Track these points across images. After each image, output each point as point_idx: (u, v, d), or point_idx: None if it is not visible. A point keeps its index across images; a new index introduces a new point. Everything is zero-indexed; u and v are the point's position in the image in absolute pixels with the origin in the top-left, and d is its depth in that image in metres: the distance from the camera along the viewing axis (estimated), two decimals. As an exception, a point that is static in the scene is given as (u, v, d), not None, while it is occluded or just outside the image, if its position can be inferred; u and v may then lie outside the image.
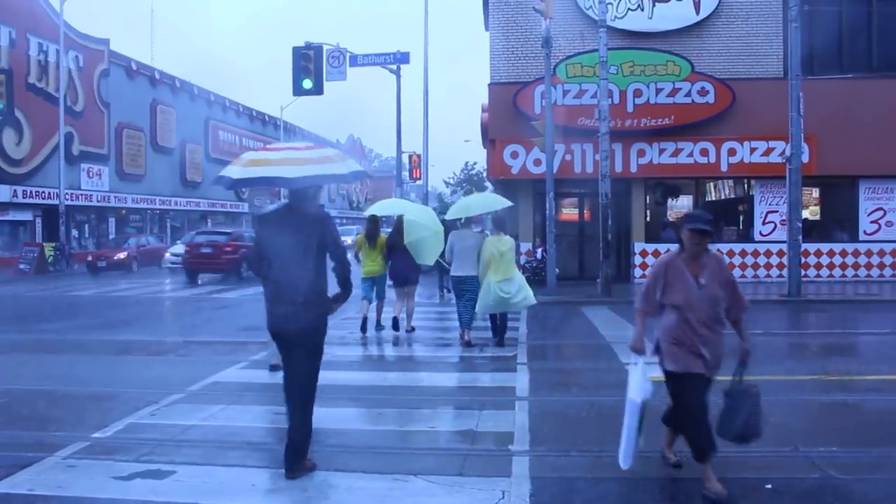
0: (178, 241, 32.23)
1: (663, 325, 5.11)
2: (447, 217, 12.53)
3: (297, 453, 5.27)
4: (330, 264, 5.38)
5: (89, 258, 29.76)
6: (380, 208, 12.82)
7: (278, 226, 5.37)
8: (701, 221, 4.97)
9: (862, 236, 20.49)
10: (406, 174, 31.53)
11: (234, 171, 5.31)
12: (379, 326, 12.25)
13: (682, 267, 5.01)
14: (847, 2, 20.43)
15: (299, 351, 5.30)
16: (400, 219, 11.92)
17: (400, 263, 11.80)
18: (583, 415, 7.13)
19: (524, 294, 10.61)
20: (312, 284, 5.21)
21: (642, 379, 5.05)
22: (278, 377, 8.75)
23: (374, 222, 12.20)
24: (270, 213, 5.71)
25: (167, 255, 29.94)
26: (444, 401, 7.67)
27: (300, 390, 5.33)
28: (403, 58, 26.37)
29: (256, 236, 5.76)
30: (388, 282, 12.33)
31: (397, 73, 27.23)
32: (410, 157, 32.70)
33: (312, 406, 5.38)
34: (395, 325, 11.86)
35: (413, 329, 12.14)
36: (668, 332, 5.06)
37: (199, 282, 24.03)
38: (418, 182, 30.04)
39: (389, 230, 12.72)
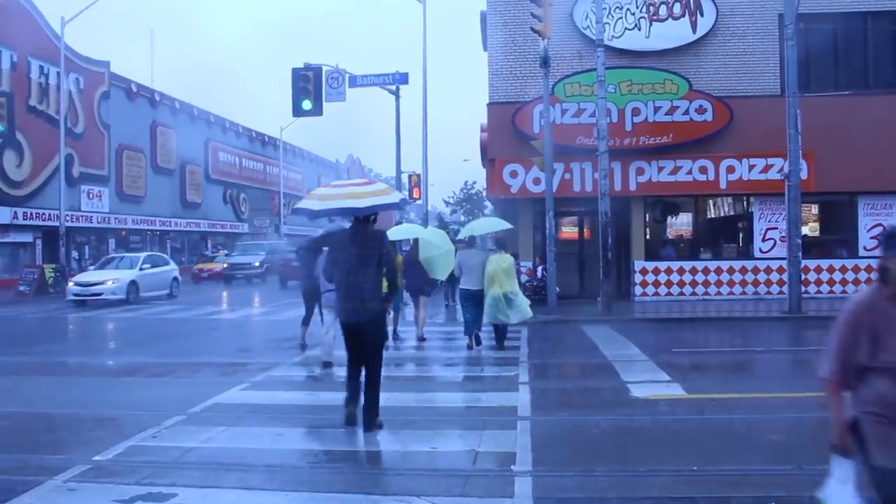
0: (91, 267, 27.73)
1: (868, 397, 3.39)
2: (458, 238, 14.34)
3: (372, 415, 6.83)
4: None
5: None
6: (395, 233, 13.88)
7: (347, 242, 6.91)
8: None
9: (862, 252, 20.49)
10: (405, 194, 31.56)
11: (314, 204, 7.11)
12: (396, 337, 13.50)
13: (891, 310, 3.37)
14: (842, 19, 20.56)
15: (365, 336, 6.86)
16: (416, 240, 13.56)
17: (415, 278, 13.05)
18: (585, 434, 7.11)
19: (523, 307, 12.18)
20: (373, 286, 6.79)
21: (853, 493, 3.33)
22: (281, 398, 8.82)
23: (392, 244, 13.12)
24: (340, 233, 7.31)
25: (70, 283, 24.86)
26: (445, 421, 7.65)
27: (370, 369, 6.92)
28: (402, 78, 26.53)
29: (330, 250, 7.33)
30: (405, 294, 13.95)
31: (396, 93, 27.38)
32: (410, 176, 32.77)
33: (379, 381, 6.99)
34: (420, 339, 13.38)
35: (424, 339, 13.42)
36: (879, 408, 3.33)
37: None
38: (418, 202, 30.06)
39: (406, 249, 14.51)
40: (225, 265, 37.05)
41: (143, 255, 27.51)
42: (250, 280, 35.92)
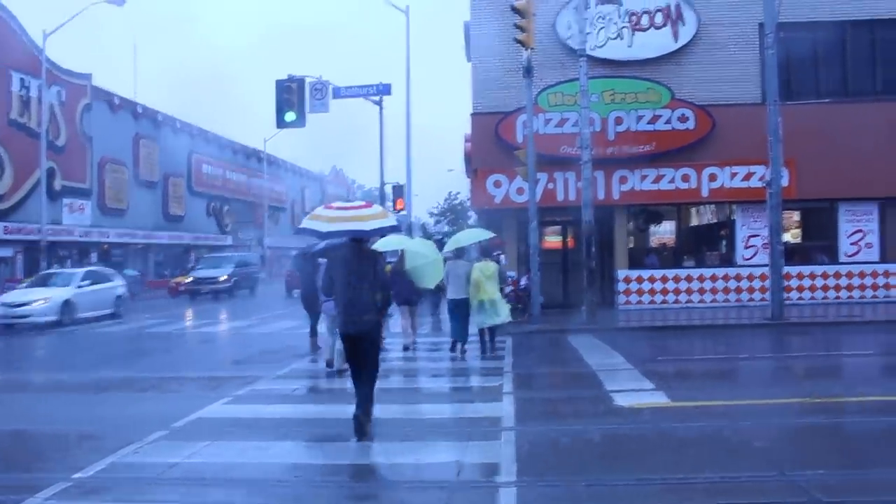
0: (22, 285, 25.28)
1: None
2: (444, 250, 14.34)
3: (364, 422, 7.06)
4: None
5: None
6: (382, 244, 13.70)
7: (345, 260, 7.44)
8: None
9: (842, 258, 20.65)
10: (389, 205, 31.55)
11: (321, 226, 7.63)
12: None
13: None
14: (822, 28, 20.72)
15: (363, 345, 7.34)
16: (402, 251, 13.71)
17: (402, 287, 13.19)
18: (569, 444, 7.11)
19: (504, 311, 12.90)
20: (369, 300, 7.31)
21: None
22: (264, 412, 8.77)
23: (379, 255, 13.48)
24: (338, 250, 7.76)
25: None
26: (430, 432, 7.63)
27: (367, 374, 7.36)
28: (385, 89, 26.57)
29: (328, 266, 7.91)
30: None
31: (380, 104, 27.40)
32: (394, 187, 32.74)
33: (374, 386, 7.44)
34: (406, 348, 13.76)
35: (415, 343, 14.08)
36: None
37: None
38: (402, 213, 30.02)
39: (394, 260, 14.56)
40: (190, 279, 35.59)
41: (82, 270, 24.84)
42: (217, 295, 33.95)
